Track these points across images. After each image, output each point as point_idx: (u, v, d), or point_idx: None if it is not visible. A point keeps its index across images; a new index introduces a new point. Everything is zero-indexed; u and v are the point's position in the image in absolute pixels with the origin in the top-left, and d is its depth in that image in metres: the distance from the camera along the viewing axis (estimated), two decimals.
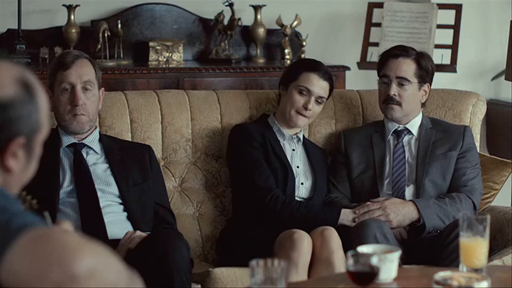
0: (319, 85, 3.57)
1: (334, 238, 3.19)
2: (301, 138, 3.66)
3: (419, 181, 3.52)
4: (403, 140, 3.62)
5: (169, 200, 3.54)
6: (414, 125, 3.65)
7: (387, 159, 3.58)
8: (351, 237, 3.22)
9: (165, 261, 2.92)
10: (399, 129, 3.63)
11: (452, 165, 3.57)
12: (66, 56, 3.32)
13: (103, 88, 3.38)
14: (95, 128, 3.38)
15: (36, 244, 1.39)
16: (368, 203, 3.43)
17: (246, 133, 3.56)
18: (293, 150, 3.61)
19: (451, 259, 3.16)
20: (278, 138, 3.60)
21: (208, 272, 3.21)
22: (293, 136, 3.63)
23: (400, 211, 3.41)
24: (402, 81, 3.58)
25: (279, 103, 3.67)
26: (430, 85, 3.67)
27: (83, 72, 3.28)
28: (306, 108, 3.54)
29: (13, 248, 1.39)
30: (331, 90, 3.63)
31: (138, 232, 3.12)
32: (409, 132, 3.64)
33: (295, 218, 3.38)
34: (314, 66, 3.62)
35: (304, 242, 3.14)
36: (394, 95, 3.58)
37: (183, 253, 2.97)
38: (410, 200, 3.47)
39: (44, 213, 1.68)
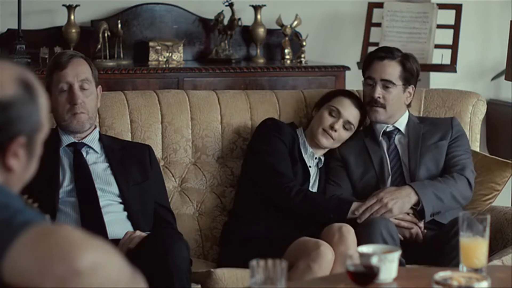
0: (349, 110, 3.59)
1: (351, 235, 3.23)
2: (322, 161, 3.65)
3: (413, 171, 3.53)
4: (395, 141, 3.64)
5: (169, 200, 3.54)
6: (401, 123, 3.67)
7: (385, 162, 3.59)
8: (358, 236, 3.24)
9: (165, 261, 2.92)
10: (388, 129, 3.65)
11: (444, 153, 3.60)
12: (62, 56, 3.33)
13: (100, 86, 3.38)
14: (95, 127, 3.38)
15: (39, 240, 1.39)
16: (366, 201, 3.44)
17: (278, 126, 3.59)
18: (310, 166, 3.61)
19: (452, 256, 3.16)
20: (302, 150, 3.61)
21: (209, 273, 3.21)
22: (315, 155, 3.63)
23: (397, 197, 3.42)
24: (387, 84, 3.60)
25: (309, 123, 3.69)
26: (415, 86, 3.69)
27: (79, 71, 3.28)
28: (332, 128, 3.55)
29: (16, 244, 1.39)
30: (361, 121, 3.64)
31: (138, 232, 3.12)
32: (399, 131, 3.65)
33: (307, 203, 3.41)
34: (349, 93, 3.68)
35: (329, 256, 3.16)
36: (379, 97, 3.59)
37: (183, 253, 2.97)
38: (406, 185, 3.48)
39: (45, 216, 1.68)
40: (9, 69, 1.56)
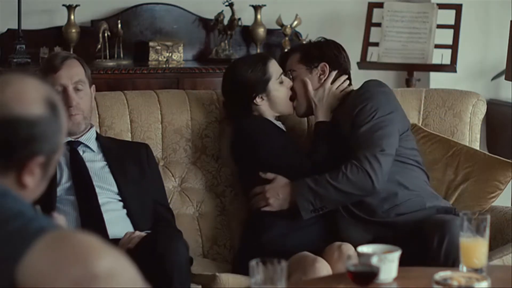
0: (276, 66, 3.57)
1: (351, 253, 3.20)
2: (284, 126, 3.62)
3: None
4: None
5: (169, 200, 3.54)
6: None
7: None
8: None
9: (164, 261, 2.91)
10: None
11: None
12: (54, 59, 3.33)
13: (94, 86, 3.38)
14: (91, 127, 3.38)
15: (56, 244, 1.40)
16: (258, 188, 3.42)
17: (262, 125, 3.51)
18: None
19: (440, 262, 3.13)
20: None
21: (214, 277, 3.20)
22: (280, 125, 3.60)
23: (279, 195, 3.39)
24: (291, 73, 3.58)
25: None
26: (329, 64, 3.56)
27: (73, 73, 3.28)
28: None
29: (32, 250, 1.40)
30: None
31: (137, 232, 3.12)
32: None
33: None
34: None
35: (323, 273, 3.13)
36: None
37: (182, 252, 2.97)
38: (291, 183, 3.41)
39: (35, 207, 1.70)
40: (38, 88, 1.59)
